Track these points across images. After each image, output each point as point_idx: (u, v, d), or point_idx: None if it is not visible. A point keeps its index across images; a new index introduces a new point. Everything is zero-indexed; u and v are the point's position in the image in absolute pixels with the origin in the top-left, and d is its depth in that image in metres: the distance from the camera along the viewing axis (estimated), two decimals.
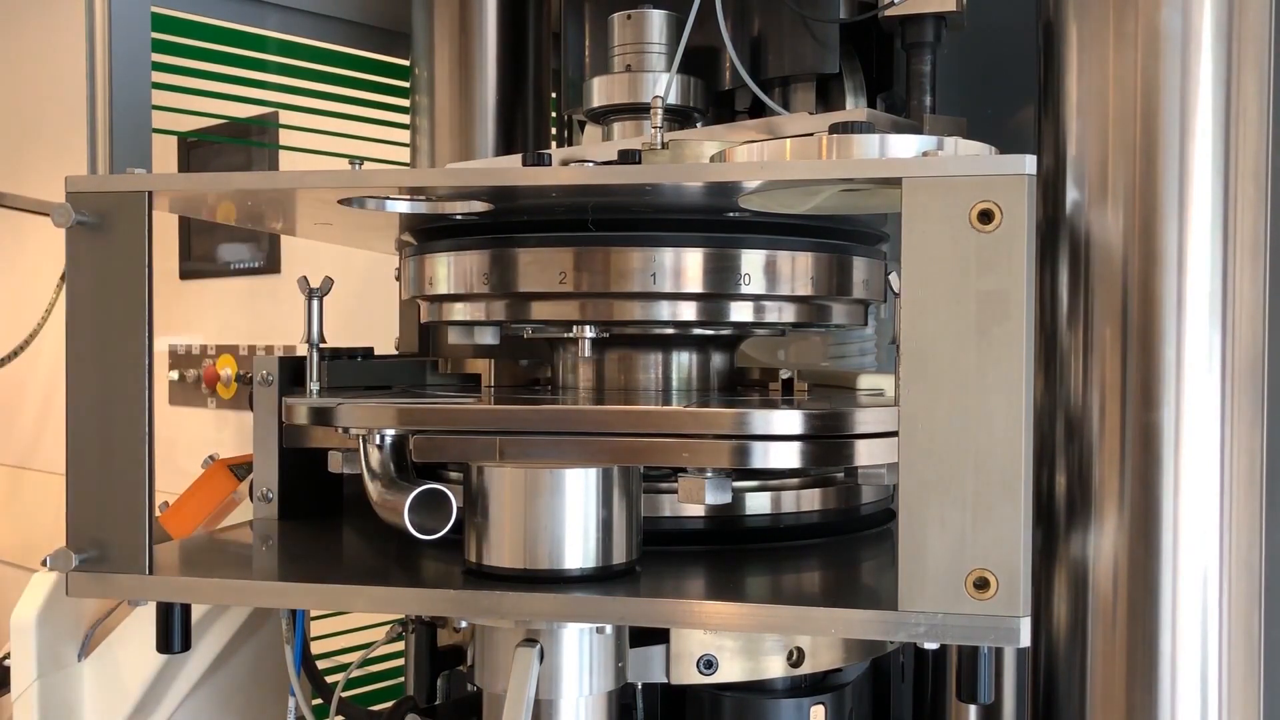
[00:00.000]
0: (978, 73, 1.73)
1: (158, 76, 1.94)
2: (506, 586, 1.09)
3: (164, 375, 3.63)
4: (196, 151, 3.52)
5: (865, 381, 1.46)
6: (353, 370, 1.48)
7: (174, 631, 1.20)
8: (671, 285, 1.24)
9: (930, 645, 1.00)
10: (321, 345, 1.33)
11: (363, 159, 1.67)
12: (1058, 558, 1.27)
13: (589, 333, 1.31)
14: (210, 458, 1.89)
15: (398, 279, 1.51)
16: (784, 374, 1.50)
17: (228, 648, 1.88)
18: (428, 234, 1.36)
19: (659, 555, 1.20)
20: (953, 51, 1.56)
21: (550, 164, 1.22)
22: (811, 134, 1.12)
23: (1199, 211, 1.21)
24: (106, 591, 1.17)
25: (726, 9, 1.54)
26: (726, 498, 1.14)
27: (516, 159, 1.53)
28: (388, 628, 1.61)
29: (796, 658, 1.26)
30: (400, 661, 2.28)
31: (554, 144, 2.13)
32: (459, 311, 1.36)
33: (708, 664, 1.23)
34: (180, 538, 1.69)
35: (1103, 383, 1.24)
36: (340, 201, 1.19)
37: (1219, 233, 1.22)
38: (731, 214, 1.21)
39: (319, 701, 1.62)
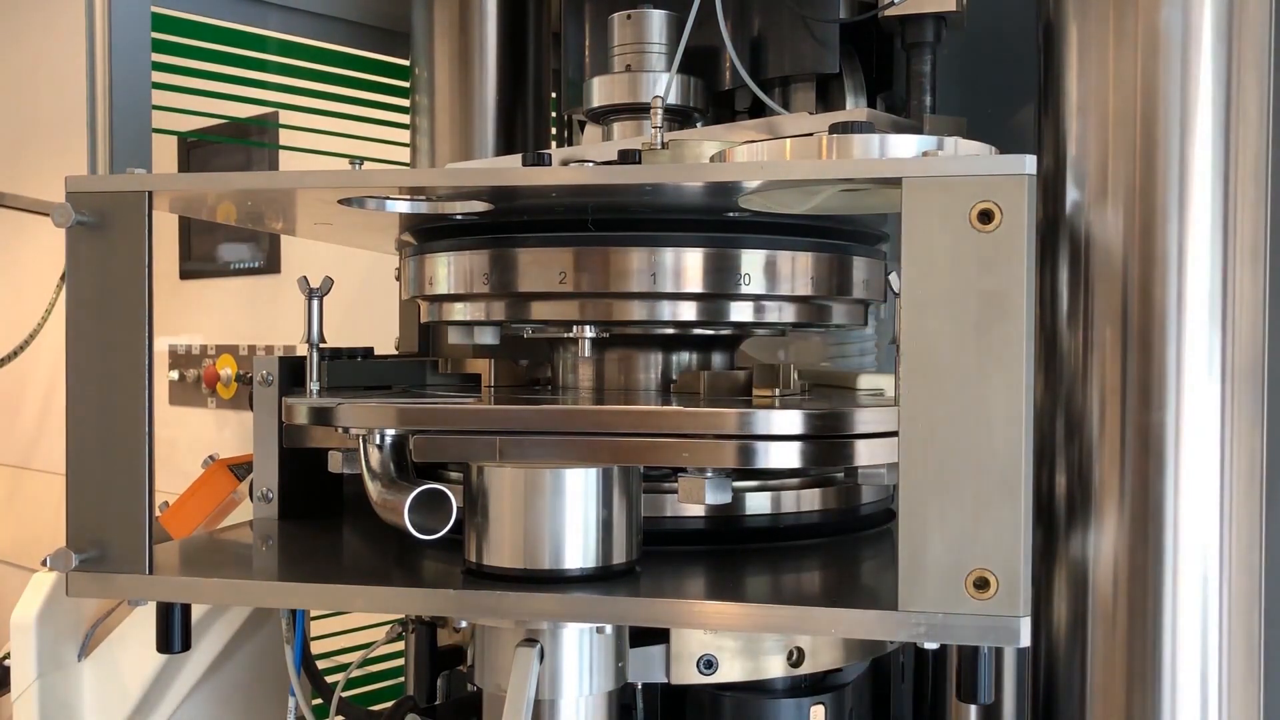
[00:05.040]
0: (978, 73, 1.73)
1: (158, 76, 1.94)
2: (506, 586, 1.09)
3: (164, 375, 3.62)
4: (196, 151, 3.51)
5: (865, 381, 1.46)
6: (353, 370, 1.48)
7: (174, 631, 1.20)
8: (672, 285, 1.24)
9: (930, 645, 1.00)
10: (321, 345, 1.33)
11: (363, 159, 1.66)
12: (1058, 558, 1.27)
13: (589, 333, 1.31)
14: (210, 458, 1.89)
15: (398, 279, 1.51)
16: None
17: (228, 648, 1.87)
18: (428, 234, 1.36)
19: (659, 555, 1.20)
20: (953, 51, 1.56)
21: (550, 164, 1.22)
22: (811, 134, 1.12)
23: (1199, 212, 1.21)
24: (106, 591, 1.17)
25: (726, 9, 1.54)
26: (726, 498, 1.14)
27: (516, 159, 1.53)
28: (388, 628, 1.61)
29: (796, 658, 1.26)
30: (400, 661, 2.28)
31: (554, 144, 2.13)
32: (459, 311, 1.36)
33: (708, 664, 1.23)
34: (180, 538, 1.69)
35: (1103, 383, 1.24)
36: (340, 201, 1.19)
37: (1219, 233, 1.22)
38: (731, 214, 1.21)
39: (319, 701, 1.62)
